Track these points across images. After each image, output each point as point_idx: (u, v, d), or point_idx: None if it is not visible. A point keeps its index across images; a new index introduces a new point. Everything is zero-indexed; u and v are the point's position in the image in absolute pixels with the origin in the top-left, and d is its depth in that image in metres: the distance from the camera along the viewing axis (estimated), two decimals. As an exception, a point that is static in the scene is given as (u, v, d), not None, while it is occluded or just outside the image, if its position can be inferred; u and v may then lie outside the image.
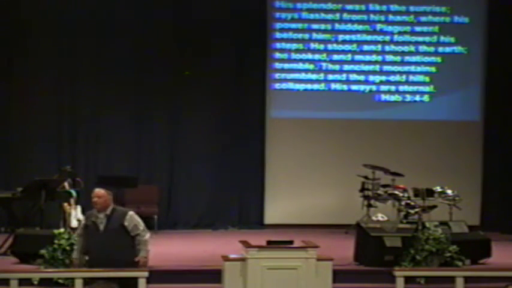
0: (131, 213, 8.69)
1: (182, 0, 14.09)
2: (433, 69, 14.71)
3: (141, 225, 8.65)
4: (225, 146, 14.25)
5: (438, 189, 12.28)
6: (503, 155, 14.62)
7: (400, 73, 14.67)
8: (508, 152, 14.59)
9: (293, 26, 14.50)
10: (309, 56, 14.53)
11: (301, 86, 14.51)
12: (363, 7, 14.60)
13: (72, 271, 9.25)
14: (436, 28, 14.68)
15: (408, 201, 12.25)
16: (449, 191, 12.31)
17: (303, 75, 14.52)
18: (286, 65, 14.51)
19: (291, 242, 9.14)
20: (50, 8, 13.78)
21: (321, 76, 14.55)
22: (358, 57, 14.60)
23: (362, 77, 14.60)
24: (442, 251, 10.34)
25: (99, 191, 8.66)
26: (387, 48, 14.64)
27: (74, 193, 11.53)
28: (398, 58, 14.67)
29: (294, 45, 14.50)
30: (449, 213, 12.09)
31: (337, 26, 14.55)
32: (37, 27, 13.82)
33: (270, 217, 14.35)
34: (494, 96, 14.65)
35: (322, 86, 14.55)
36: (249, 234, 12.42)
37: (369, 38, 14.61)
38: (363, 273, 10.28)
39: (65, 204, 10.83)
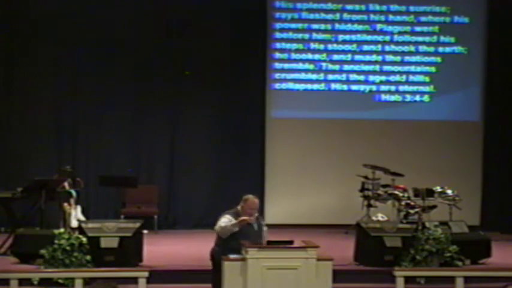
0: None
1: (182, 0, 14.09)
2: (433, 69, 14.71)
3: None
4: (225, 146, 14.24)
5: (438, 189, 12.30)
6: (503, 155, 14.62)
7: (400, 73, 14.67)
8: (508, 152, 14.59)
9: (293, 26, 14.50)
10: (309, 56, 14.52)
11: (301, 86, 14.51)
12: (363, 7, 14.60)
13: (72, 271, 9.25)
14: (436, 28, 14.68)
15: (408, 201, 12.26)
16: (449, 191, 12.33)
17: (303, 75, 14.51)
18: (286, 65, 14.51)
19: (291, 242, 9.12)
20: (51, 8, 13.76)
21: (321, 76, 14.55)
22: (358, 57, 14.60)
23: (362, 77, 14.60)
24: (442, 251, 10.33)
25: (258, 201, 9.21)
26: (387, 48, 14.64)
27: (74, 193, 11.54)
28: (398, 58, 14.66)
29: (294, 45, 14.50)
30: (449, 213, 12.11)
31: (337, 26, 14.56)
32: (38, 27, 13.81)
33: (270, 217, 14.28)
34: (494, 96, 14.65)
35: (322, 86, 14.55)
36: (249, 234, 12.38)
37: (369, 38, 14.61)
38: (363, 273, 10.28)
39: (65, 204, 10.81)
